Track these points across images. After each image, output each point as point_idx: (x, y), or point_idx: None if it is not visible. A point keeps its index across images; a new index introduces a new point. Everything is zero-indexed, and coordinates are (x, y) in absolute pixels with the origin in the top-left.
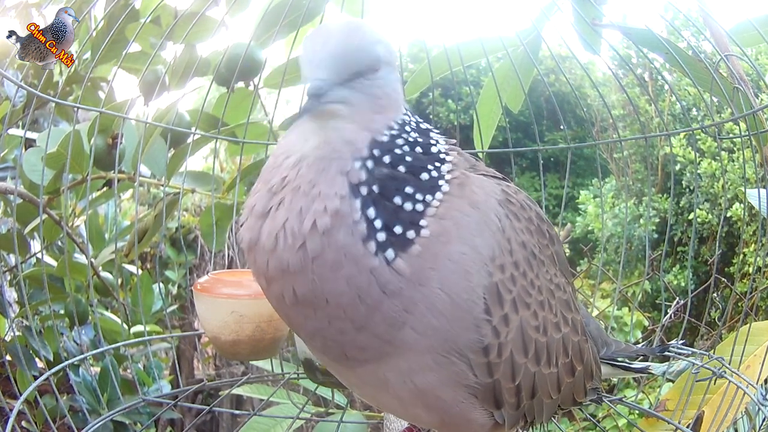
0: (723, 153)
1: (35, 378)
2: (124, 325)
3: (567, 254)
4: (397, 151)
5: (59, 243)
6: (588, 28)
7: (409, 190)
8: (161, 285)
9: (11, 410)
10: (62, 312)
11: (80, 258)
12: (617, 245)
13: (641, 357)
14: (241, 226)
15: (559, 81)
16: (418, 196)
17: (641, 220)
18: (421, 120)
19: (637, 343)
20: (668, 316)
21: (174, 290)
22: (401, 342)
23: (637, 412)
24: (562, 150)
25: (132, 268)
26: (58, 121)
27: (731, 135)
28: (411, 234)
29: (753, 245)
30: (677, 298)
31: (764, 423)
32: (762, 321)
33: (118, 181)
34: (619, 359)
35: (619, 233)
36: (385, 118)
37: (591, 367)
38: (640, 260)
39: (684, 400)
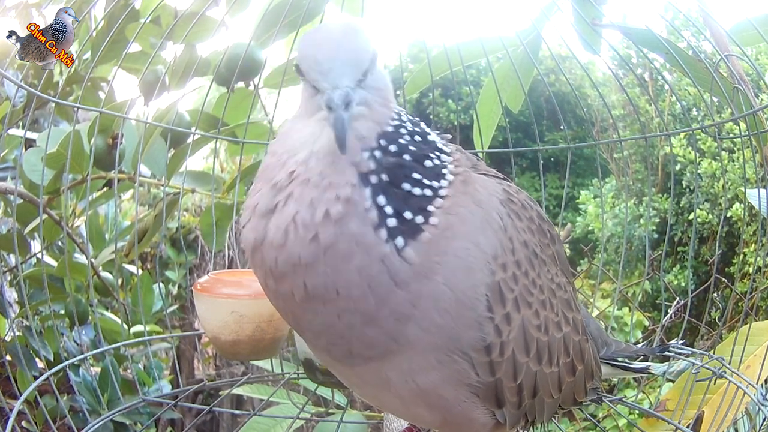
0: (723, 153)
1: (35, 378)
2: (124, 325)
3: (567, 254)
4: (401, 140)
5: (59, 243)
6: (588, 28)
7: (416, 176)
8: (161, 285)
9: (11, 410)
10: (62, 312)
11: (80, 258)
12: (617, 245)
13: (641, 357)
14: (243, 227)
15: (559, 81)
16: (426, 182)
17: (641, 220)
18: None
19: (637, 343)
20: (668, 316)
21: (174, 290)
22: (405, 339)
23: (637, 412)
24: (562, 150)
25: (132, 268)
26: (58, 121)
27: (731, 135)
28: (420, 219)
29: (753, 245)
30: (677, 298)
31: (764, 423)
32: (762, 321)
33: (118, 181)
34: (620, 359)
35: (619, 233)
36: (388, 110)
37: (591, 366)
38: (640, 260)
39: (684, 400)
